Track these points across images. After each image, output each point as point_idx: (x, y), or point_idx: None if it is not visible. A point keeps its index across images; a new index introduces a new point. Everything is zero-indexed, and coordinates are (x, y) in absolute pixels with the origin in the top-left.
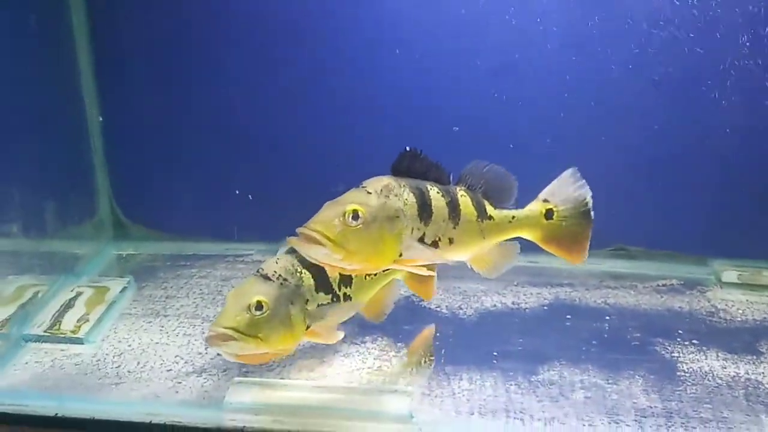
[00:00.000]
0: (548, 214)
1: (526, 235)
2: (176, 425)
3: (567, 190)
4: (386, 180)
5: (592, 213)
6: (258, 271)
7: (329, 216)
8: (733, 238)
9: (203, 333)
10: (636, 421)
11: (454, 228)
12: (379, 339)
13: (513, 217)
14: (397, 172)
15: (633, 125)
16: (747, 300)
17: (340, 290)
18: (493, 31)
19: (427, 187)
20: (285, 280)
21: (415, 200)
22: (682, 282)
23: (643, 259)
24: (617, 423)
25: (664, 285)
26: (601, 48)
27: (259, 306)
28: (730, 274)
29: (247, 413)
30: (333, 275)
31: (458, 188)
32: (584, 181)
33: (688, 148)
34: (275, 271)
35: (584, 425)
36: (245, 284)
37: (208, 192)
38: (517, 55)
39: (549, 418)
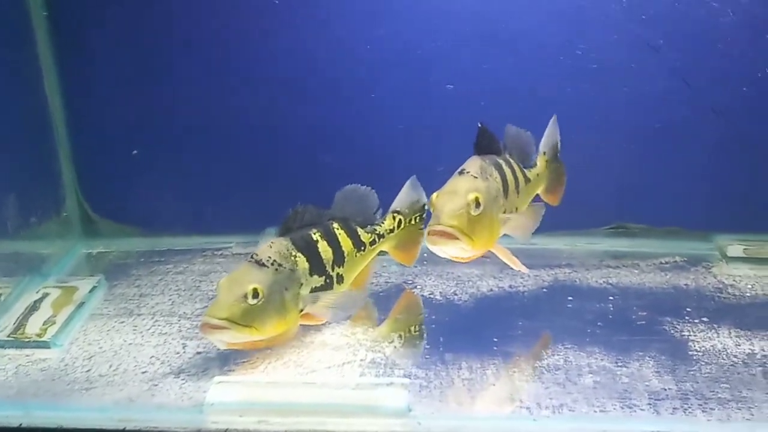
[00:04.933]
0: (547, 164)
1: (539, 189)
2: (152, 431)
3: (552, 137)
4: (479, 161)
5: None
6: (252, 257)
7: (455, 208)
8: (736, 212)
9: (180, 331)
10: (650, 404)
11: (518, 196)
12: (371, 330)
13: (537, 174)
14: (479, 149)
15: (628, 97)
16: (755, 274)
17: (333, 271)
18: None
19: (499, 162)
20: (280, 265)
21: (499, 177)
22: (685, 259)
23: (644, 237)
24: (630, 408)
25: (667, 262)
26: (594, 15)
27: (255, 294)
28: (736, 249)
29: (230, 414)
30: (326, 256)
31: (509, 157)
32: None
33: (688, 120)
34: (270, 257)
35: (595, 411)
36: (239, 271)
37: (182, 184)
38: (511, 22)
39: (557, 405)
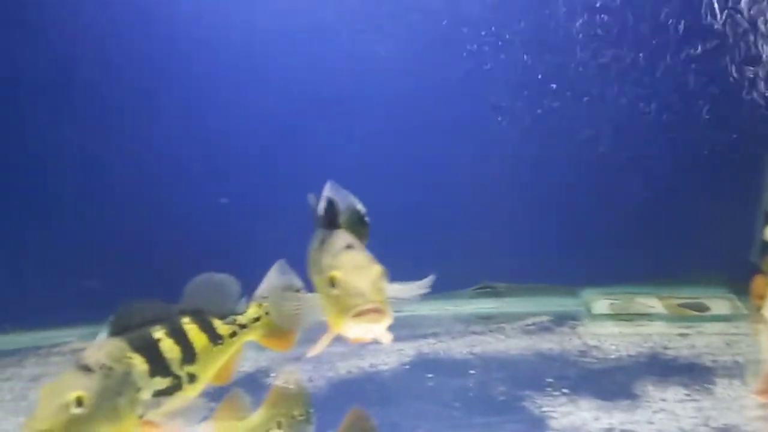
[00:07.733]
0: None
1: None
2: None
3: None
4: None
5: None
6: (77, 361)
7: (376, 281)
8: (602, 264)
9: None
10: None
11: None
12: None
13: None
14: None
15: (482, 155)
16: (620, 332)
17: (182, 370)
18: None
19: None
20: (110, 369)
21: None
22: (552, 318)
23: (511, 296)
24: None
25: (533, 323)
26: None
27: (78, 402)
28: (601, 305)
29: None
30: (172, 355)
31: None
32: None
33: (548, 173)
34: (98, 360)
35: None
36: (62, 377)
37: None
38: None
39: None
